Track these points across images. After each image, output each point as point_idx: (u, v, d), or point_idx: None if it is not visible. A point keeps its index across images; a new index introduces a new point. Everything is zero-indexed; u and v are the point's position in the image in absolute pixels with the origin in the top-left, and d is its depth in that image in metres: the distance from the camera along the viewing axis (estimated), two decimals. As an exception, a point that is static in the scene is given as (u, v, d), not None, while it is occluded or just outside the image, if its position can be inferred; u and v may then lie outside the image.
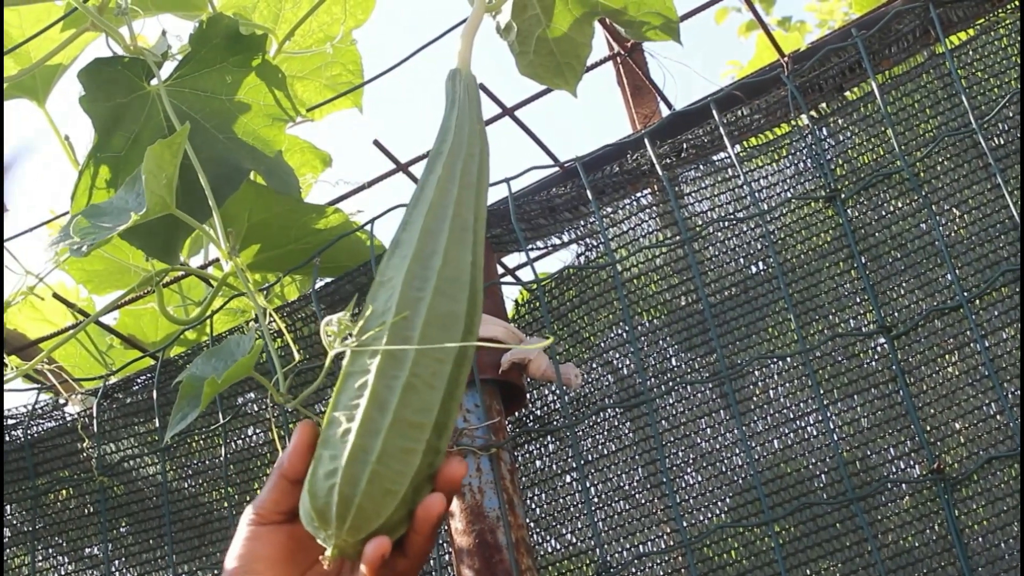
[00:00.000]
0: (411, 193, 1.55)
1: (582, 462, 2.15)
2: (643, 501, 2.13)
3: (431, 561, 2.19)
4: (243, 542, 1.40)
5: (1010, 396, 1.90)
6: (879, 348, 2.03)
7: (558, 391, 2.18)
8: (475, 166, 1.56)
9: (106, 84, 2.26)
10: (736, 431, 2.06)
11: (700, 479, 2.09)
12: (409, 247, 1.46)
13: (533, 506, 2.21)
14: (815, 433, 2.03)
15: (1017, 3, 2.06)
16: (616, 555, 2.11)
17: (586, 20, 2.04)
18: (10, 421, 2.66)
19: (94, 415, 2.59)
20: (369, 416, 1.33)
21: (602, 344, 2.23)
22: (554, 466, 2.22)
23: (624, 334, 2.20)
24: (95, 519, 2.53)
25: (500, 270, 2.42)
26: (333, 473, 1.31)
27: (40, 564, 2.55)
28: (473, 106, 1.63)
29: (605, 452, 2.17)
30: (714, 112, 2.21)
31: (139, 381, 2.61)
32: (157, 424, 2.51)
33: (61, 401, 2.67)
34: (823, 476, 2.02)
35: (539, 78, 2.08)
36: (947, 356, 1.98)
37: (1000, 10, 2.08)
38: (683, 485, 2.10)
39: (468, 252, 1.48)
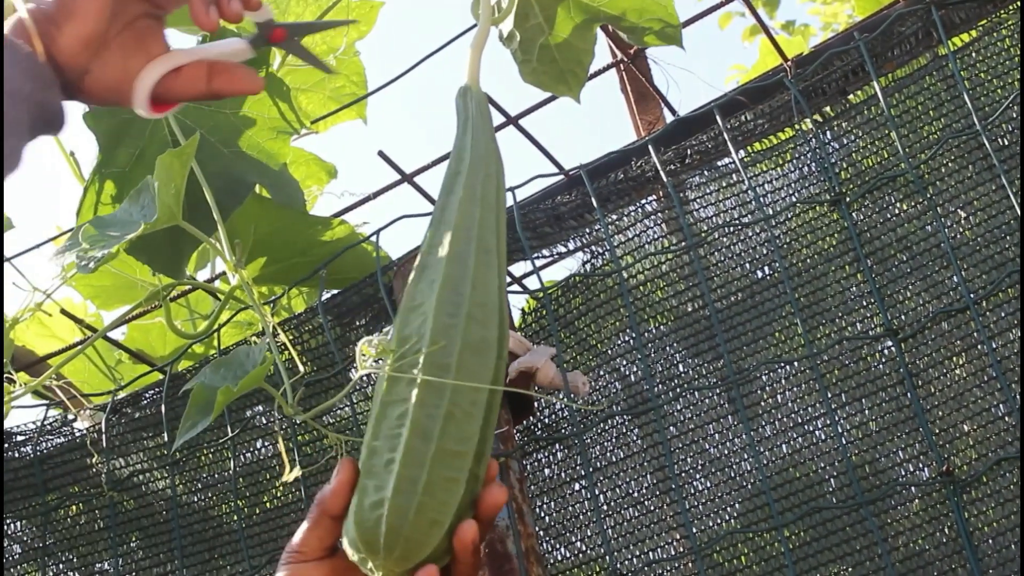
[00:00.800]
0: (415, 204, 1.55)
1: (591, 469, 2.14)
2: (652, 508, 2.13)
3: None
4: None
5: (1018, 397, 1.90)
6: (886, 351, 2.02)
7: (566, 399, 2.17)
8: (493, 187, 1.56)
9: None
10: (745, 436, 2.06)
11: (709, 485, 2.09)
12: (437, 272, 1.45)
13: (542, 514, 2.21)
14: (824, 437, 2.03)
15: (1019, 4, 2.06)
16: (626, 562, 2.11)
17: (588, 27, 2.04)
18: (19, 438, 2.67)
19: (103, 430, 2.59)
20: (412, 446, 1.32)
21: (609, 351, 2.23)
22: (563, 474, 2.22)
23: (631, 341, 2.20)
24: (105, 534, 2.53)
25: (506, 279, 2.41)
26: (380, 504, 1.30)
27: (51, 580, 2.56)
28: (486, 124, 1.62)
29: (614, 459, 2.17)
30: (717, 118, 2.21)
31: (147, 395, 2.62)
32: (166, 438, 2.51)
33: (70, 417, 2.67)
34: (832, 480, 2.01)
35: (542, 85, 2.08)
36: (955, 358, 1.98)
37: (1002, 11, 2.08)
38: (692, 491, 2.09)
39: (495, 276, 1.48)
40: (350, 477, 1.35)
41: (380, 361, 1.41)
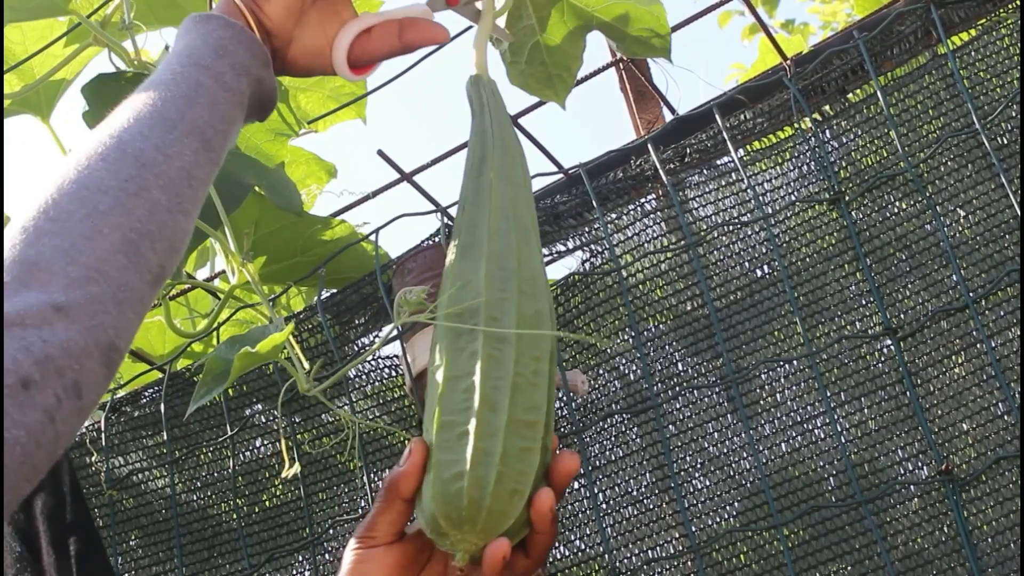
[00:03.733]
0: (414, 203, 1.56)
1: (590, 468, 2.15)
2: (652, 506, 2.13)
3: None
4: (354, 566, 1.40)
5: (1017, 396, 1.90)
6: (886, 350, 2.02)
7: (565, 398, 2.17)
8: (521, 167, 1.57)
9: (110, 99, 2.26)
10: (744, 435, 2.06)
11: (708, 483, 2.09)
12: (481, 250, 1.45)
13: (542, 513, 2.20)
14: (823, 436, 2.03)
15: (1018, 2, 2.06)
16: (626, 560, 2.11)
17: (579, 33, 2.04)
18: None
19: (102, 429, 2.59)
20: (484, 418, 1.32)
21: (609, 350, 2.23)
22: (562, 473, 2.21)
23: (630, 339, 2.20)
24: (105, 532, 2.53)
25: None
26: (459, 477, 1.30)
27: (50, 579, 2.55)
28: (502, 108, 1.63)
29: (613, 458, 2.17)
30: (717, 116, 2.21)
31: (147, 394, 2.62)
32: (165, 436, 2.52)
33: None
34: (831, 479, 2.01)
35: (529, 88, 2.08)
36: (954, 357, 1.98)
37: (1002, 9, 2.08)
38: (692, 490, 2.09)
39: (536, 252, 1.49)
40: (423, 459, 1.35)
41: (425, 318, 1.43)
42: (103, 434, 2.58)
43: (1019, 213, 1.94)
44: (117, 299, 1.08)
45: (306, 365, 2.16)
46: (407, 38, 1.52)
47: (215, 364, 1.96)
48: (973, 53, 2.09)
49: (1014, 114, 2.01)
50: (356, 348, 2.44)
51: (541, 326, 1.41)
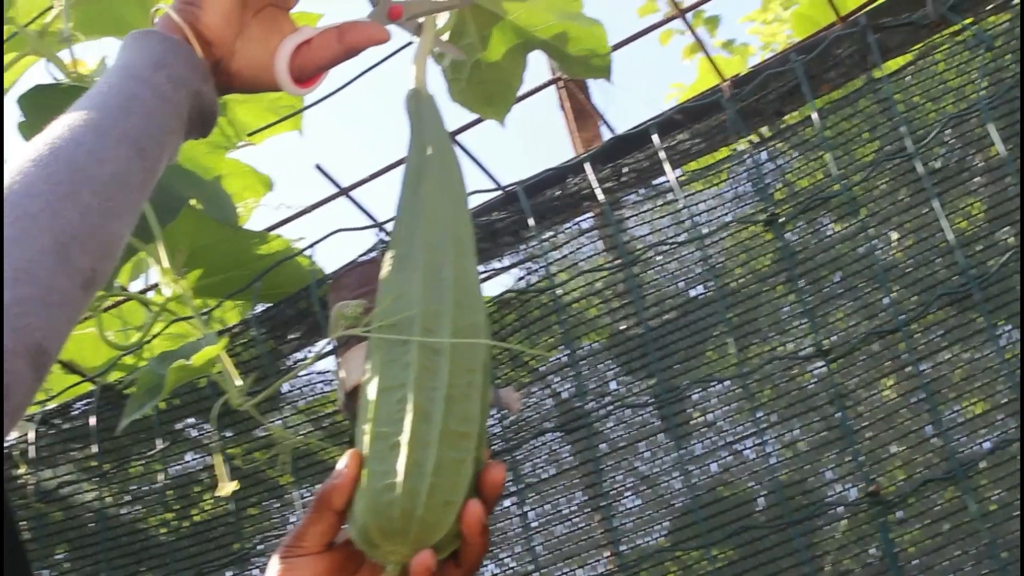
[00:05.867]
0: (350, 218, 1.55)
1: (522, 486, 2.14)
2: (582, 525, 2.12)
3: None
4: (281, 574, 1.39)
5: (945, 419, 1.91)
6: (817, 371, 2.03)
7: (498, 415, 2.17)
8: (457, 183, 1.56)
9: (46, 111, 2.24)
10: (675, 454, 2.06)
11: (639, 502, 2.09)
12: (417, 261, 1.45)
13: (472, 530, 2.20)
14: (754, 456, 2.03)
15: (952, 31, 2.08)
16: (555, 579, 2.10)
17: (520, 52, 2.04)
18: (-54, 448, 2.64)
19: (31, 441, 2.56)
20: (418, 429, 1.32)
21: (542, 368, 2.23)
22: (493, 490, 2.21)
23: (564, 358, 2.20)
24: (32, 546, 2.50)
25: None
26: (391, 488, 1.29)
27: (-24, 592, 2.52)
28: (441, 123, 1.63)
29: (544, 476, 2.16)
30: (654, 136, 2.22)
31: (77, 407, 2.59)
32: (95, 449, 2.49)
33: (-2, 427, 2.64)
34: (761, 499, 2.02)
35: (469, 105, 2.08)
36: (884, 379, 1.99)
37: (936, 36, 2.10)
38: (622, 508, 2.09)
39: (472, 265, 1.48)
40: (358, 471, 1.35)
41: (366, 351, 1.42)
42: (32, 446, 2.55)
43: (952, 237, 1.95)
44: (46, 301, 1.08)
45: (238, 380, 2.15)
46: (348, 40, 1.51)
47: (148, 378, 1.94)
48: (908, 78, 2.10)
49: (947, 139, 2.03)
50: (290, 363, 2.43)
51: (477, 338, 1.41)
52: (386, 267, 1.48)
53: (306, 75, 1.50)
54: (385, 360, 1.39)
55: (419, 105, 1.64)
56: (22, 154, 1.20)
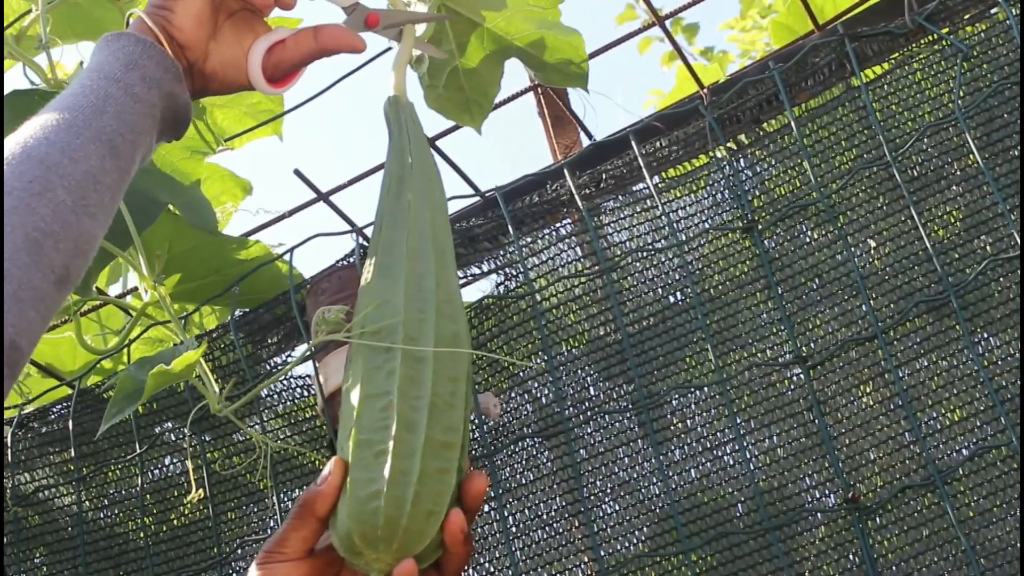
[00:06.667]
0: (329, 223, 1.55)
1: (501, 491, 2.15)
2: (561, 530, 2.13)
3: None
4: None
5: (923, 426, 1.92)
6: (795, 378, 2.04)
7: (477, 420, 2.17)
8: (437, 190, 1.57)
9: (24, 116, 2.24)
10: (654, 460, 2.07)
11: (618, 508, 2.09)
12: (399, 269, 1.45)
13: (452, 536, 2.20)
14: (732, 462, 2.04)
15: (930, 39, 2.09)
16: (534, 585, 2.11)
17: (498, 59, 2.05)
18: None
19: (9, 444, 2.56)
20: (402, 438, 1.32)
21: (521, 373, 2.23)
22: (473, 495, 2.21)
23: (543, 363, 2.20)
24: (10, 550, 2.50)
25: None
26: (376, 496, 1.29)
27: (-47, 596, 2.52)
28: (420, 130, 1.63)
29: (523, 481, 2.17)
30: (633, 143, 2.22)
31: (55, 410, 2.59)
32: (73, 453, 2.49)
33: (-25, 431, 2.64)
34: (740, 505, 2.03)
35: (446, 112, 2.08)
36: (862, 386, 2.00)
37: (914, 45, 2.11)
38: (601, 514, 2.10)
39: (453, 274, 1.49)
40: (342, 479, 1.35)
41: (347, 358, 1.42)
42: (9, 449, 2.55)
43: (929, 245, 1.97)
44: (17, 297, 1.08)
45: (216, 387, 2.15)
46: (323, 41, 1.52)
47: (126, 383, 1.94)
48: (886, 86, 2.12)
49: (925, 147, 2.04)
50: (268, 367, 2.43)
51: (459, 347, 1.42)
52: (368, 274, 1.48)
53: (280, 74, 1.51)
54: (368, 367, 1.40)
55: (399, 112, 1.64)
56: None
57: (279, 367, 2.42)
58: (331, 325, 1.51)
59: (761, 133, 2.19)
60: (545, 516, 2.14)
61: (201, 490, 2.31)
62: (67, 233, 1.16)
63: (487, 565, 2.17)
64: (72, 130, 1.24)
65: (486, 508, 2.19)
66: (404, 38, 1.73)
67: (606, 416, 2.13)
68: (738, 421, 2.03)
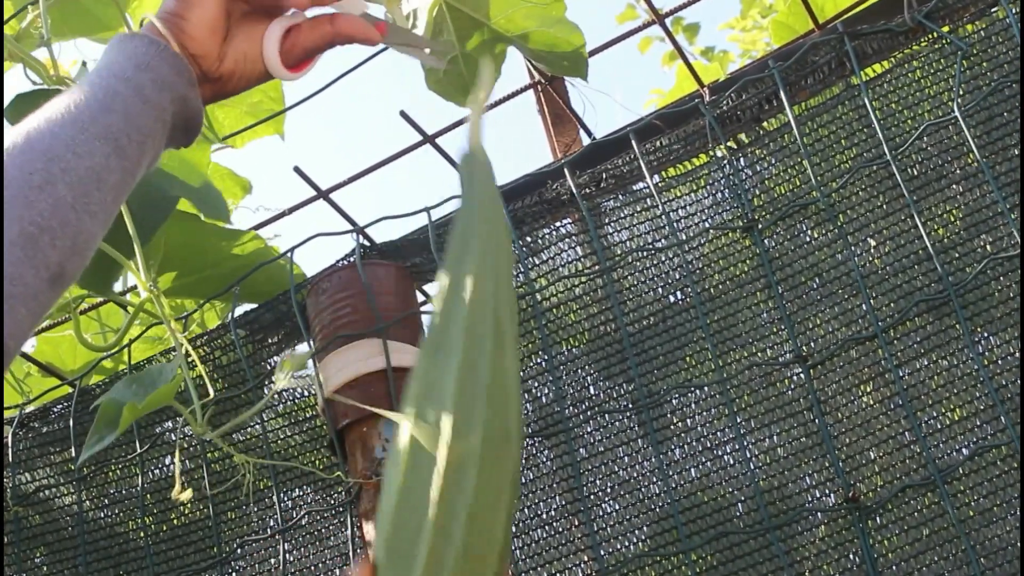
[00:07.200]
0: (330, 221, 1.53)
1: (501, 491, 2.14)
2: (561, 529, 2.13)
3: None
4: None
5: (924, 426, 1.92)
6: (796, 377, 2.04)
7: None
8: (504, 259, 1.49)
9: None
10: (654, 459, 2.07)
11: (618, 507, 2.09)
12: (454, 353, 1.38)
13: (452, 535, 2.20)
14: (732, 462, 2.04)
15: (929, 38, 2.09)
16: (535, 584, 2.11)
17: (497, 47, 2.05)
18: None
19: (9, 444, 2.56)
20: (436, 547, 1.27)
21: (522, 373, 2.23)
22: (473, 495, 2.21)
23: (544, 363, 2.20)
24: (10, 549, 2.50)
25: (420, 298, 2.41)
26: None
27: (-47, 595, 2.52)
28: (495, 191, 1.56)
29: (523, 480, 2.17)
30: (633, 142, 2.22)
31: (56, 409, 2.59)
32: (74, 453, 2.49)
33: (-23, 430, 2.64)
34: (740, 505, 2.02)
35: (445, 94, 2.10)
36: (862, 385, 2.00)
37: (914, 44, 2.11)
38: (601, 513, 2.10)
39: (513, 359, 1.42)
40: None
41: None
42: (10, 449, 2.55)
43: (929, 244, 1.96)
44: (9, 293, 1.04)
45: (199, 409, 2.14)
46: (339, 26, 1.47)
47: (108, 410, 1.93)
48: (885, 85, 2.11)
49: (924, 146, 2.04)
50: (269, 367, 2.43)
51: (508, 445, 1.35)
52: (423, 348, 1.41)
53: (294, 60, 1.47)
54: (411, 458, 1.33)
55: (473, 170, 1.56)
56: None
57: (274, 368, 2.41)
58: (296, 367, 1.48)
59: (761, 132, 2.19)
60: (545, 515, 2.14)
61: (190, 489, 2.30)
62: (65, 230, 1.12)
63: (487, 565, 2.16)
64: (77, 125, 1.20)
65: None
66: (475, 98, 1.66)
67: (606, 415, 2.13)
68: (738, 420, 2.03)
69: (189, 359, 2.34)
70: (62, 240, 1.12)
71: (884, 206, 2.05)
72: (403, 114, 2.36)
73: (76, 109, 1.22)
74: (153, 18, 1.37)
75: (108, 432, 1.92)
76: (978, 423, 1.91)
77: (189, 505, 2.42)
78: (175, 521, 2.43)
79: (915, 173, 2.04)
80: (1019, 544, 1.83)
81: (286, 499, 2.31)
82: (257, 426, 2.36)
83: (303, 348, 1.60)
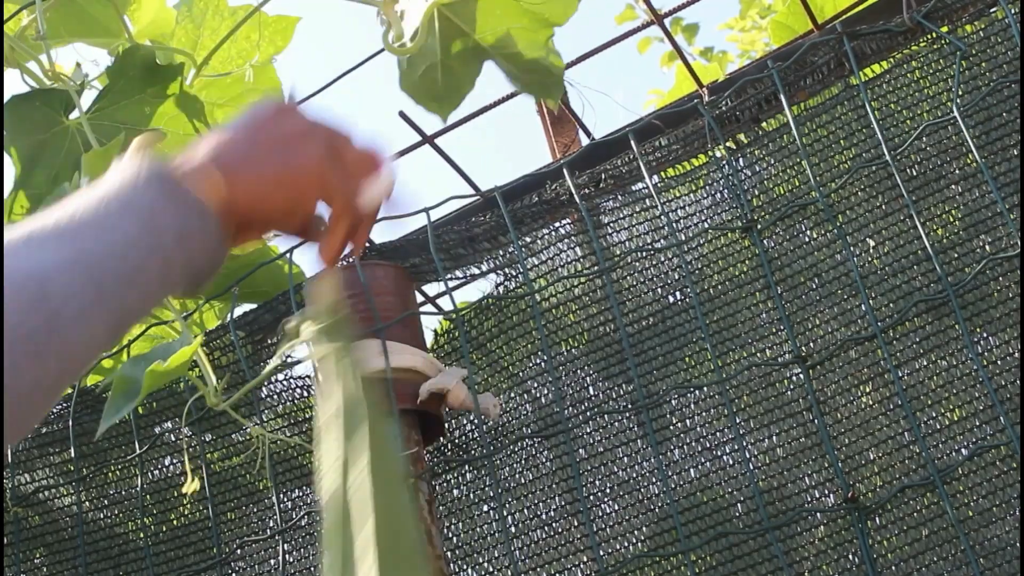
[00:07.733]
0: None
1: (500, 491, 2.14)
2: (561, 530, 2.13)
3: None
4: None
5: (923, 426, 1.92)
6: (795, 378, 2.04)
7: (476, 420, 2.17)
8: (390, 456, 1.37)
9: (26, 120, 2.25)
10: (653, 460, 2.07)
11: (618, 508, 2.10)
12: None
13: (451, 536, 2.20)
14: (732, 462, 2.04)
15: (929, 37, 2.09)
16: (534, 584, 2.11)
17: (476, 62, 2.06)
18: (-77, 451, 2.63)
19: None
20: None
21: (521, 373, 2.23)
22: (472, 495, 2.22)
23: (543, 363, 2.20)
24: (9, 550, 2.50)
25: (419, 299, 2.41)
26: None
27: (-47, 596, 2.52)
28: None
29: (523, 481, 2.17)
30: (632, 142, 2.22)
31: (55, 410, 2.59)
32: (73, 453, 2.49)
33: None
34: (739, 505, 2.02)
35: (416, 98, 2.11)
36: (861, 386, 2.00)
37: (913, 44, 2.11)
38: (601, 514, 2.10)
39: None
40: None
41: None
42: (9, 449, 2.55)
43: (928, 244, 1.97)
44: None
45: (215, 381, 2.15)
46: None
47: (123, 382, 1.94)
48: (884, 85, 2.11)
49: (923, 146, 2.04)
50: (268, 367, 2.43)
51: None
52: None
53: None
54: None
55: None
56: (13, 241, 1.00)
57: (280, 367, 2.41)
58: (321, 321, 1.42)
59: (760, 132, 2.19)
60: (544, 516, 2.14)
61: (197, 481, 2.31)
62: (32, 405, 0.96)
63: (487, 565, 2.17)
64: (96, 298, 1.02)
65: (484, 508, 2.19)
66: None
67: (605, 416, 2.13)
68: (737, 421, 2.03)
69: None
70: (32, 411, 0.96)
71: (883, 206, 2.06)
72: (402, 114, 2.37)
73: (100, 272, 1.03)
74: (206, 163, 1.19)
75: (126, 403, 1.92)
76: (977, 423, 1.91)
77: (189, 506, 2.42)
78: (175, 522, 2.43)
79: (914, 173, 2.04)
80: (1019, 544, 1.83)
81: (286, 499, 2.31)
82: (257, 426, 2.36)
83: (303, 349, 1.60)
